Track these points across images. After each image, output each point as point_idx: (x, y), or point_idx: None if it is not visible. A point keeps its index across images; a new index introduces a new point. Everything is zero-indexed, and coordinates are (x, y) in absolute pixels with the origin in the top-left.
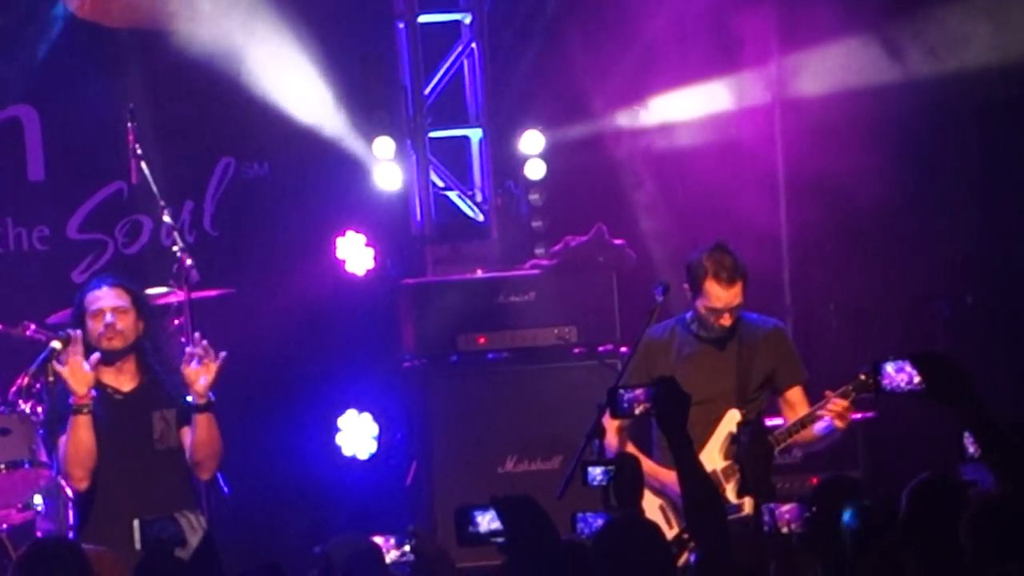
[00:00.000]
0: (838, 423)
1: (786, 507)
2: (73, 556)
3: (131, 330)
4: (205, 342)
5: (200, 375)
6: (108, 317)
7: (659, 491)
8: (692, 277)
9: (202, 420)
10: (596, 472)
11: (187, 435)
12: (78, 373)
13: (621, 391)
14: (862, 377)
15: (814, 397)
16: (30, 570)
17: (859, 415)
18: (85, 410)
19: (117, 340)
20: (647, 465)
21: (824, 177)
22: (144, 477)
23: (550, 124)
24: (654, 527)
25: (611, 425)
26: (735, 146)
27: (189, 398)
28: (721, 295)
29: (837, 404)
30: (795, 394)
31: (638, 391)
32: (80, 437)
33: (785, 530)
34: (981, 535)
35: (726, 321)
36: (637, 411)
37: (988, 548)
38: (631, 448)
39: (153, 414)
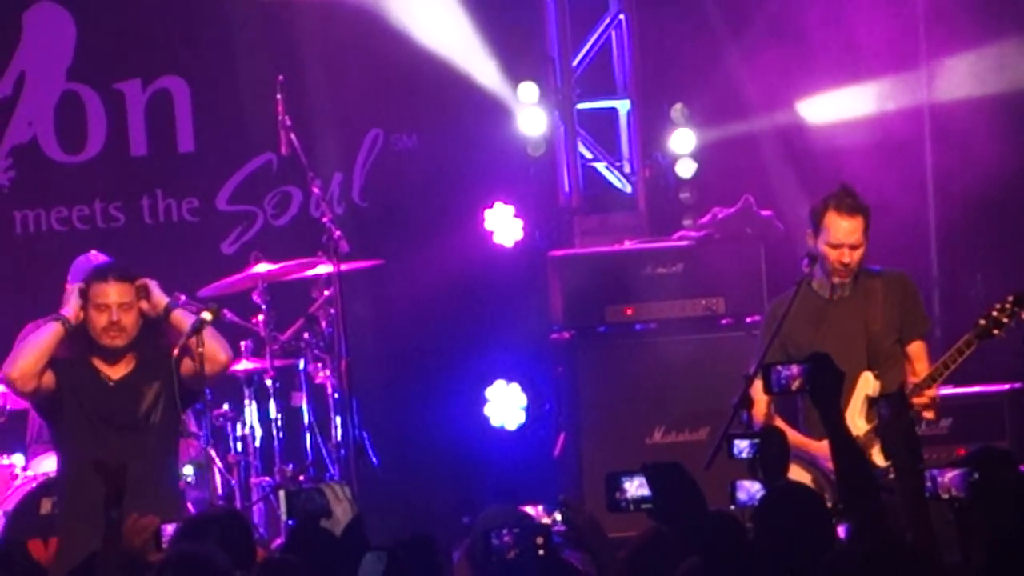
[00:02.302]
0: (927, 415)
1: (950, 474)
2: (241, 524)
3: (133, 326)
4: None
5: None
6: (114, 314)
7: (809, 464)
8: (814, 218)
9: (175, 316)
10: (742, 445)
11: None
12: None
13: (778, 368)
14: (981, 322)
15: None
16: (200, 532)
17: (1006, 386)
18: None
19: (120, 339)
20: (795, 438)
21: (973, 150)
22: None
23: (699, 96)
24: (818, 496)
25: (760, 399)
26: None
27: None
28: (841, 226)
29: (925, 395)
30: (916, 349)
31: (793, 368)
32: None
33: (946, 496)
34: None
35: (847, 258)
36: (793, 387)
37: None
38: (778, 421)
39: (141, 392)
